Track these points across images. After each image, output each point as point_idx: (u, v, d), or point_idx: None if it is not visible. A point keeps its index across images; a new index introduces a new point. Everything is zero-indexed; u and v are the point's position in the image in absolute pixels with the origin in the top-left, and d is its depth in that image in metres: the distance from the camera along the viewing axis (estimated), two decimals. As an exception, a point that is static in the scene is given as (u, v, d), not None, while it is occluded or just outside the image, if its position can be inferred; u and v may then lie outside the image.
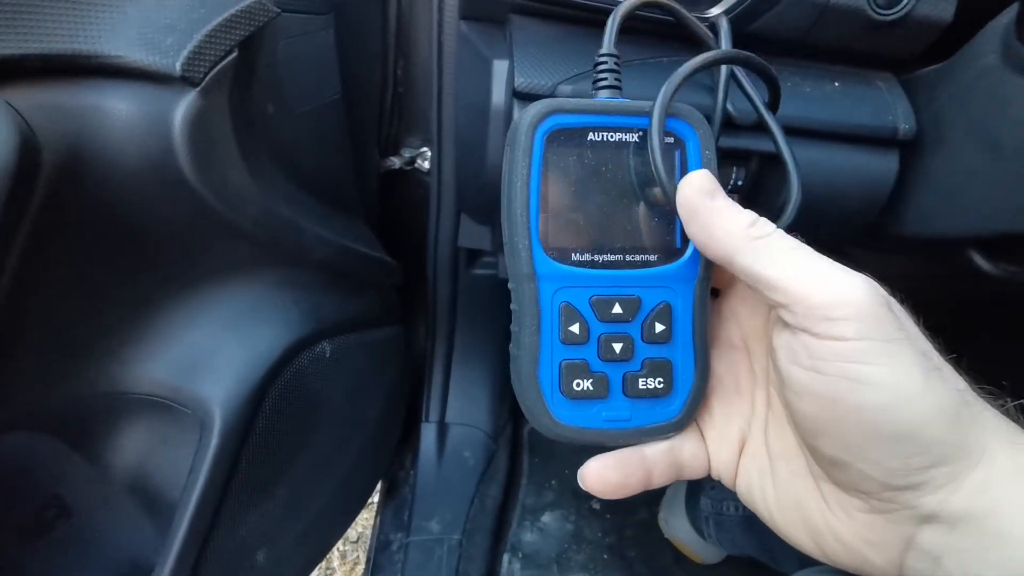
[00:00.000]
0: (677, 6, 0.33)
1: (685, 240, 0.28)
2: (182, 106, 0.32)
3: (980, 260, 0.38)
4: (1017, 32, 0.32)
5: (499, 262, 0.65)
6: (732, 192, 0.40)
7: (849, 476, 0.24)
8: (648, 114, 0.27)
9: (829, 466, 0.25)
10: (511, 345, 0.29)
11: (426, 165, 0.66)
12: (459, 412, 0.83)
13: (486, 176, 0.45)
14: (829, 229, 0.41)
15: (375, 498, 0.85)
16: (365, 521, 1.16)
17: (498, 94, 0.41)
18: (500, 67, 0.40)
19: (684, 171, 0.27)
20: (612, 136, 0.27)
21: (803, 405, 0.24)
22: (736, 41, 0.39)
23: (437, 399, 0.81)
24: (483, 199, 0.50)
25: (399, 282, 0.62)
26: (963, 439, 0.22)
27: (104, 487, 0.44)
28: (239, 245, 0.41)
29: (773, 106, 0.33)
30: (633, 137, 0.28)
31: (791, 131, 0.38)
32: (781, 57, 0.40)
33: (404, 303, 0.72)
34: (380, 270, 0.56)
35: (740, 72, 0.34)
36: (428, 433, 0.80)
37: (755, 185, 0.40)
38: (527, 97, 0.38)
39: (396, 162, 0.66)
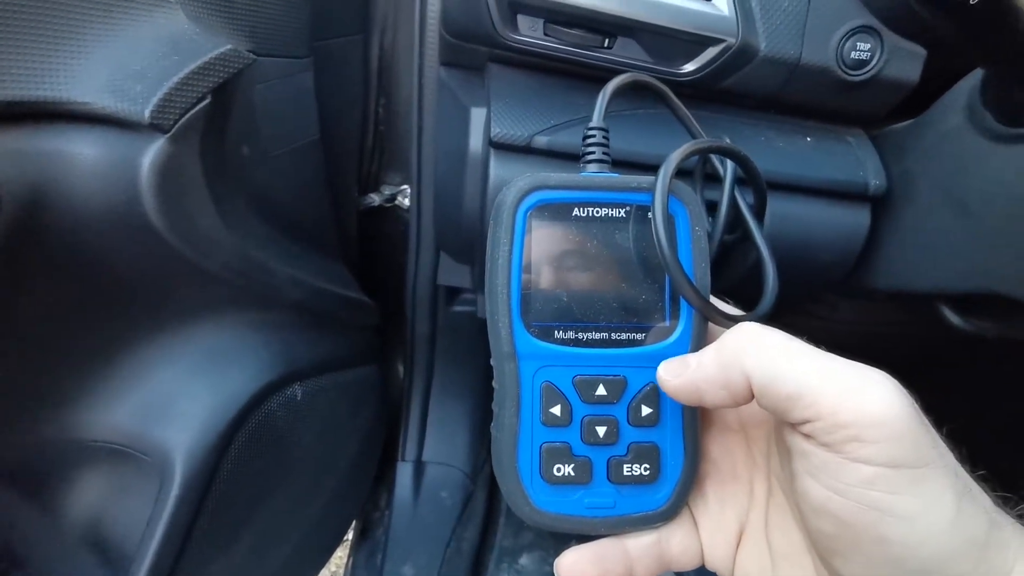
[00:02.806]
0: (666, 90, 0.33)
1: (674, 317, 0.27)
2: (150, 153, 0.32)
3: (951, 315, 0.38)
4: (982, 96, 0.33)
5: (478, 300, 0.65)
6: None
7: None
8: (637, 190, 0.27)
9: None
10: (492, 425, 0.28)
11: (406, 202, 0.66)
12: (436, 450, 0.81)
13: (463, 220, 0.44)
14: (803, 281, 0.41)
15: (350, 534, 0.82)
16: (339, 560, 1.13)
17: (475, 141, 0.41)
18: (478, 115, 0.40)
19: (674, 246, 0.27)
20: (598, 211, 0.27)
21: (820, 523, 0.22)
22: (709, 95, 0.40)
23: (414, 437, 0.79)
24: (461, 241, 0.50)
25: (375, 322, 0.61)
26: (991, 567, 0.20)
27: (59, 538, 0.42)
28: (208, 288, 0.40)
29: (760, 212, 0.33)
30: (620, 212, 0.27)
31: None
32: (755, 111, 0.41)
33: (382, 339, 0.71)
34: (356, 311, 0.56)
35: (729, 167, 0.34)
36: (404, 472, 0.78)
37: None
38: (503, 147, 0.38)
39: (376, 199, 0.66)
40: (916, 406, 0.21)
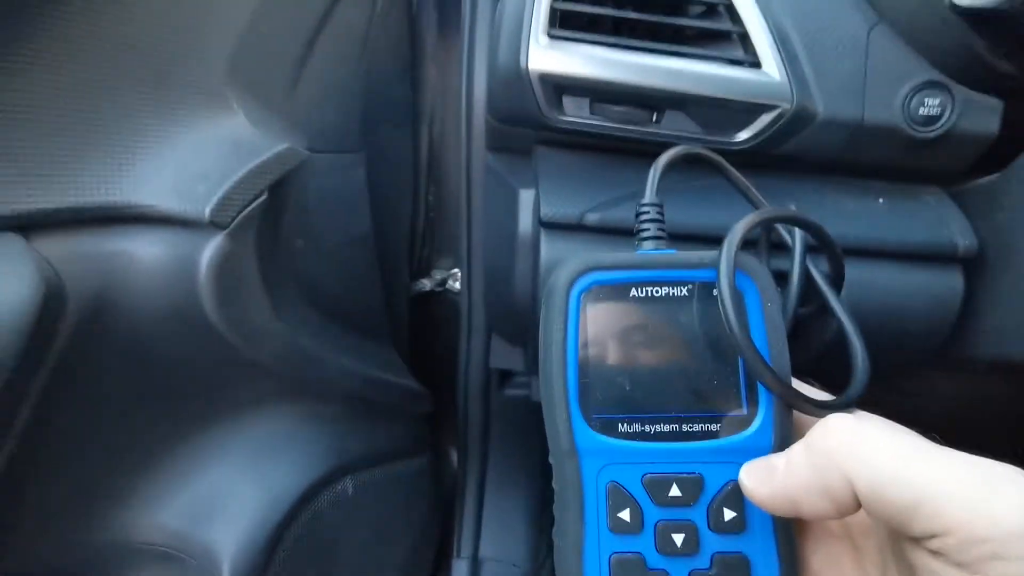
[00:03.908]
0: (722, 160, 0.31)
1: (753, 404, 0.24)
2: (209, 249, 0.33)
3: (1075, 387, 0.33)
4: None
5: (532, 383, 0.63)
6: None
7: None
8: (698, 266, 0.25)
9: None
10: (553, 532, 0.25)
11: (457, 286, 0.66)
12: (494, 546, 0.76)
13: (515, 302, 0.43)
14: (892, 354, 0.37)
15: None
16: (393, 668, 1.05)
17: (525, 223, 0.40)
18: (526, 196, 0.40)
19: (746, 326, 0.24)
20: (658, 291, 0.25)
21: None
22: (767, 161, 0.38)
23: (470, 532, 0.75)
24: (513, 323, 0.48)
25: (428, 410, 0.60)
26: None
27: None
28: (260, 381, 0.40)
29: (837, 283, 0.30)
30: (682, 291, 0.25)
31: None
32: (817, 175, 0.39)
33: (434, 428, 0.69)
34: (408, 399, 0.54)
35: (798, 235, 0.32)
36: (460, 571, 0.73)
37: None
38: (554, 226, 0.37)
39: (427, 284, 0.66)
40: None
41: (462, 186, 0.55)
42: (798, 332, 0.36)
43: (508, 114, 0.38)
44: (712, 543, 0.23)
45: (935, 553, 0.18)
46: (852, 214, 0.37)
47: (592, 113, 0.37)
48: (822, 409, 0.23)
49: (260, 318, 0.37)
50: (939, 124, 0.34)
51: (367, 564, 0.51)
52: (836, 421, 0.21)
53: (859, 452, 0.20)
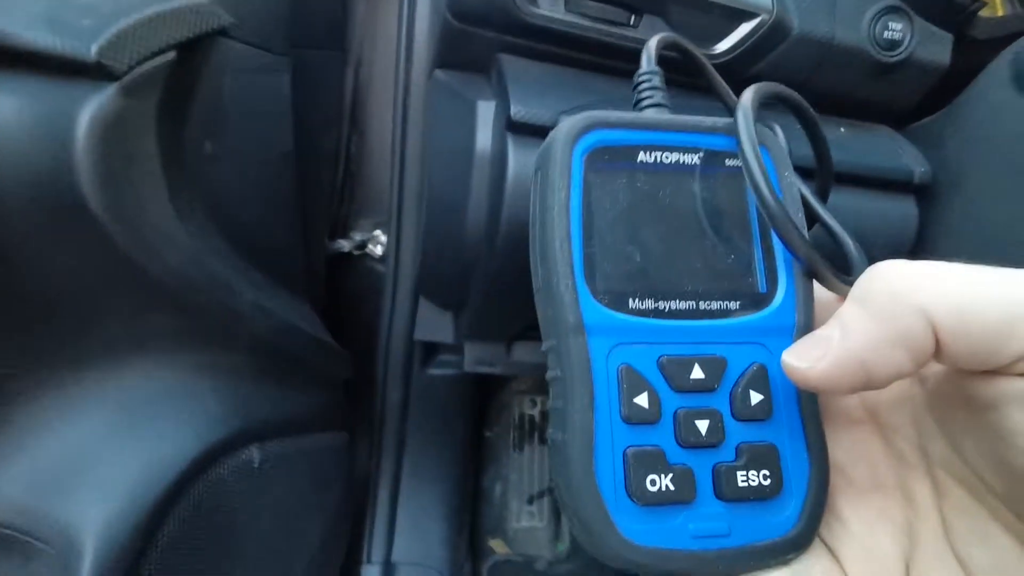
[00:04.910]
0: (705, 60, 0.29)
1: (772, 282, 0.22)
2: (92, 103, 0.25)
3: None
4: (1033, 59, 0.32)
5: (466, 350, 0.57)
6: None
7: None
8: (711, 130, 0.23)
9: None
10: (551, 429, 0.21)
11: (378, 250, 0.60)
12: (408, 549, 0.68)
13: (465, 237, 0.39)
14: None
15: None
16: None
17: (484, 137, 0.36)
18: (485, 108, 0.36)
19: (772, 187, 0.22)
20: (668, 156, 0.23)
21: None
22: (738, 84, 0.37)
23: (382, 533, 0.67)
24: (454, 271, 0.43)
25: (349, 375, 0.52)
26: None
27: None
28: (152, 307, 0.32)
29: (825, 184, 0.30)
30: (695, 158, 0.23)
31: (802, 173, 0.35)
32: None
33: (346, 414, 0.61)
34: (328, 358, 0.47)
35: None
36: (371, 579, 0.65)
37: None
38: (525, 130, 0.33)
39: (346, 245, 0.59)
40: None
41: (396, 124, 0.50)
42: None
43: (473, 6, 0.34)
44: (738, 432, 0.21)
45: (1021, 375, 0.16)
46: (819, 139, 0.36)
47: (567, 11, 0.34)
48: (846, 284, 0.21)
49: (157, 214, 0.29)
50: (901, 49, 0.35)
51: (274, 552, 0.42)
52: (892, 263, 0.19)
53: (936, 281, 0.17)
